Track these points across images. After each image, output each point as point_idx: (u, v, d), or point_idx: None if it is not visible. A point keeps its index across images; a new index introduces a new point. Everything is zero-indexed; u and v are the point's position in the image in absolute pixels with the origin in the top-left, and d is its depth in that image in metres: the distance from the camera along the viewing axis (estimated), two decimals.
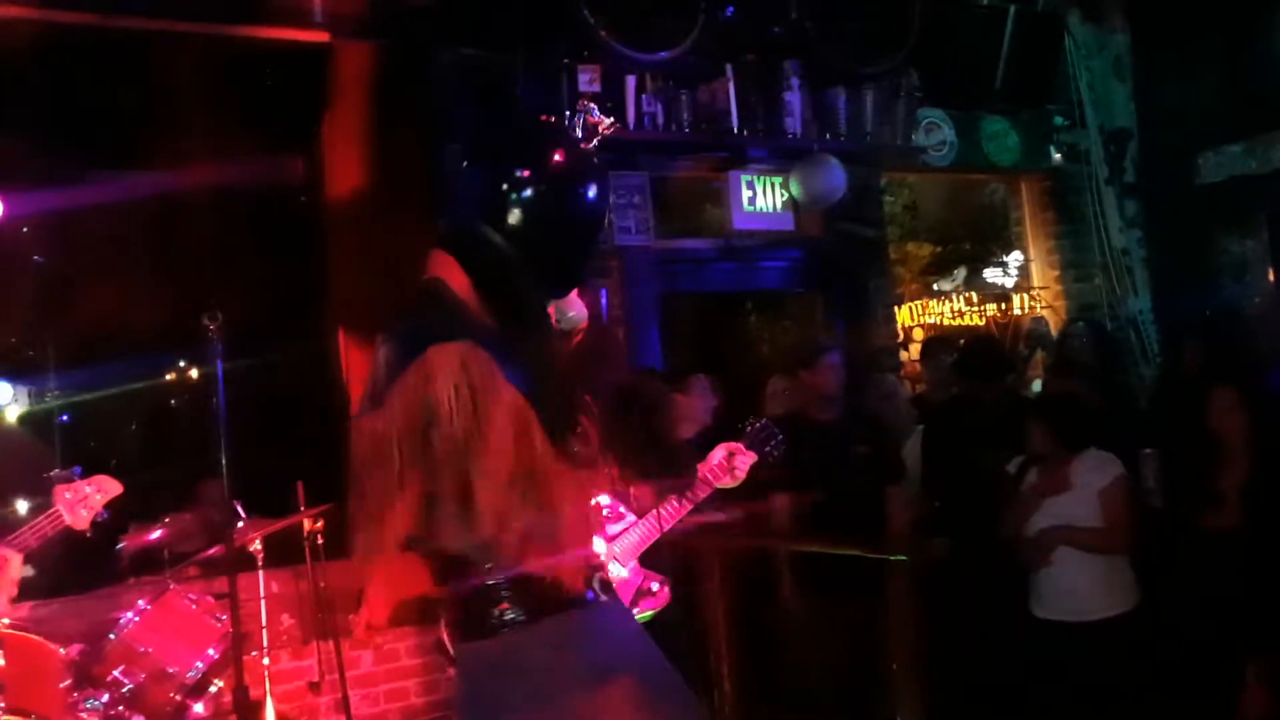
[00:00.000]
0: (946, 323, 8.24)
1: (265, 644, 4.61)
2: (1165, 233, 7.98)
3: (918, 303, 8.44)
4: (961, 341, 6.63)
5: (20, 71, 4.77)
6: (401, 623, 5.29)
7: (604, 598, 2.30)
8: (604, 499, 3.54)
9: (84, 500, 3.71)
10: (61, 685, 3.83)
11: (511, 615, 2.18)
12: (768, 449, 3.78)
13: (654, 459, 4.03)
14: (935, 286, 9.07)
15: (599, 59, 5.76)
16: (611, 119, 2.37)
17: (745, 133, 6.25)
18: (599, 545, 2.53)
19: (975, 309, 8.25)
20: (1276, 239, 7.57)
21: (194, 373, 5.74)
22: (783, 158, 6.52)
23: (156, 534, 4.64)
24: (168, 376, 5.95)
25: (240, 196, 5.50)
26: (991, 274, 8.92)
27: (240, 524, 4.50)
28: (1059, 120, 7.88)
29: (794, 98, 6.43)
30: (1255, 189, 7.53)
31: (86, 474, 3.82)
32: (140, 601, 4.19)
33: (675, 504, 3.66)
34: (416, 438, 2.07)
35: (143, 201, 5.24)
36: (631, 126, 5.88)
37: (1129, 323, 7.80)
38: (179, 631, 4.19)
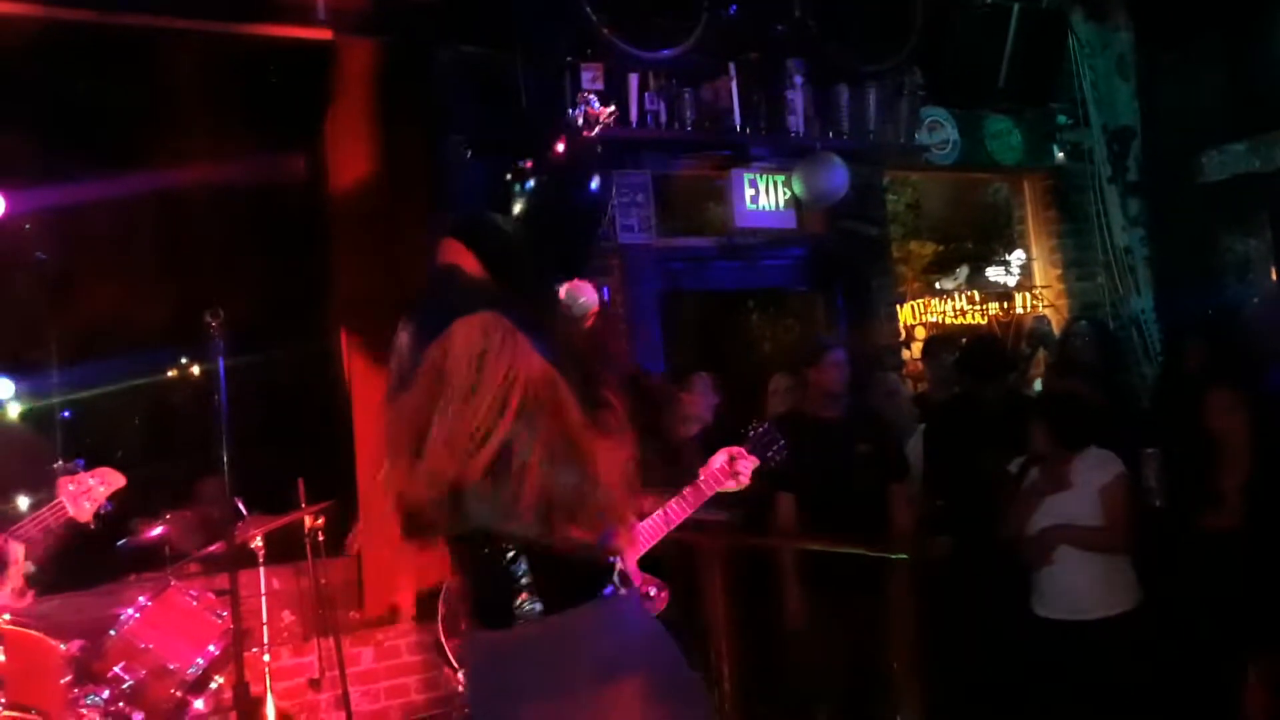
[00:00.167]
0: (949, 321, 8.22)
1: (266, 640, 4.62)
2: (1168, 232, 7.97)
3: (920, 301, 8.43)
4: (964, 340, 6.62)
5: (23, 69, 4.78)
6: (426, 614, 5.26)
7: (623, 591, 2.29)
8: None
9: (87, 492, 3.70)
10: (62, 681, 3.83)
11: (530, 606, 2.18)
12: (770, 454, 3.78)
13: (658, 456, 4.03)
14: (937, 285, 9.06)
15: (602, 57, 5.76)
16: (612, 108, 2.40)
17: (748, 131, 6.25)
18: None
19: (977, 308, 8.24)
20: (1279, 238, 7.57)
21: (196, 370, 5.75)
22: (785, 156, 6.52)
23: (158, 530, 4.65)
24: (169, 373, 5.95)
25: (242, 194, 5.51)
26: (994, 273, 8.91)
27: (241, 520, 4.51)
28: (1062, 119, 7.87)
29: (797, 96, 6.43)
30: (1258, 188, 7.52)
31: (89, 468, 3.83)
32: (141, 598, 4.20)
33: (675, 507, 3.66)
34: (446, 414, 2.07)
35: (145, 199, 5.25)
36: (634, 125, 5.89)
37: (1131, 322, 7.79)
38: (180, 628, 4.20)
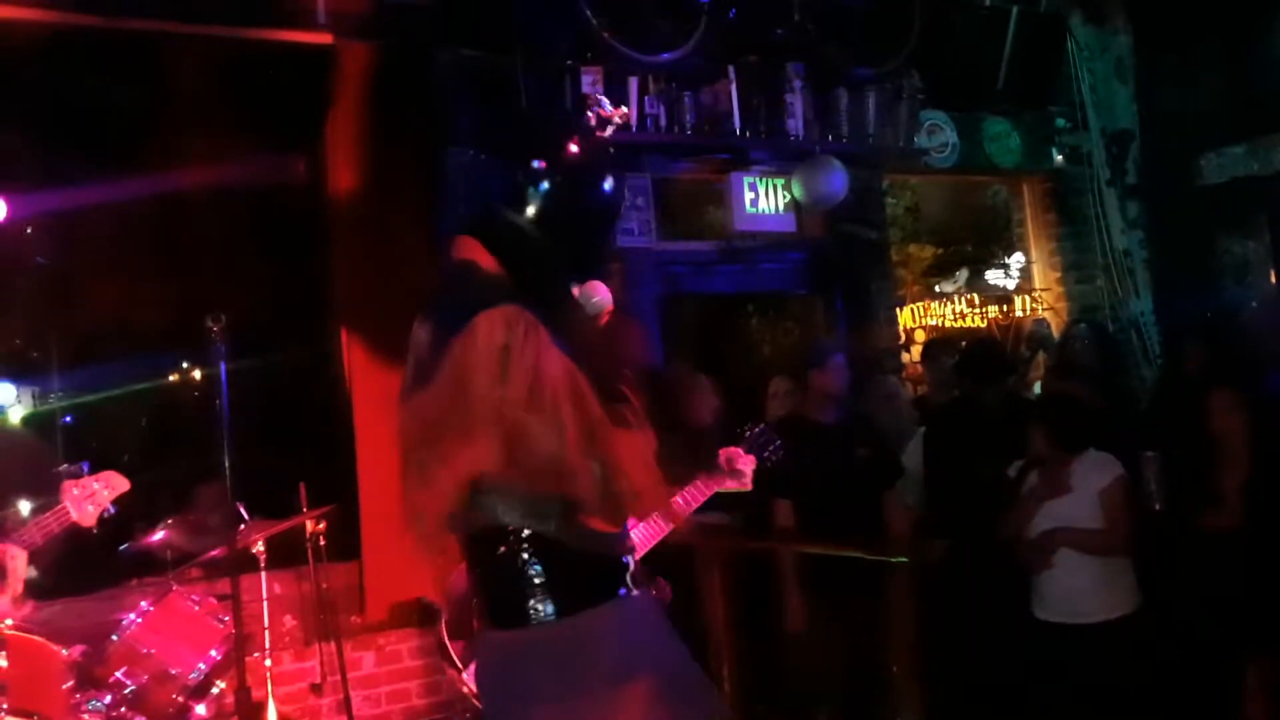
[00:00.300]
0: (948, 324, 8.23)
1: (267, 645, 4.62)
2: (1167, 234, 7.98)
3: (919, 304, 8.43)
4: (963, 343, 6.62)
5: (25, 73, 4.78)
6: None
7: (635, 592, 2.30)
8: None
9: (91, 496, 3.68)
10: (64, 686, 3.83)
11: (543, 607, 2.18)
12: (766, 453, 3.79)
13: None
14: (937, 288, 9.07)
15: (601, 60, 5.77)
16: (624, 109, 2.41)
17: (747, 134, 6.26)
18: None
19: (977, 311, 8.24)
20: (1278, 241, 7.58)
21: (197, 374, 5.75)
22: (785, 159, 6.53)
23: (159, 535, 4.65)
24: (171, 377, 5.94)
25: (243, 197, 5.50)
26: (993, 276, 8.92)
27: (243, 525, 4.50)
28: (1061, 122, 7.88)
29: (796, 99, 6.44)
30: (1257, 190, 7.53)
31: (93, 473, 3.82)
32: (143, 603, 4.20)
33: (680, 501, 3.66)
34: (470, 408, 2.08)
35: (146, 202, 5.24)
36: (634, 128, 5.90)
37: (1130, 324, 7.80)
38: (181, 633, 4.20)
